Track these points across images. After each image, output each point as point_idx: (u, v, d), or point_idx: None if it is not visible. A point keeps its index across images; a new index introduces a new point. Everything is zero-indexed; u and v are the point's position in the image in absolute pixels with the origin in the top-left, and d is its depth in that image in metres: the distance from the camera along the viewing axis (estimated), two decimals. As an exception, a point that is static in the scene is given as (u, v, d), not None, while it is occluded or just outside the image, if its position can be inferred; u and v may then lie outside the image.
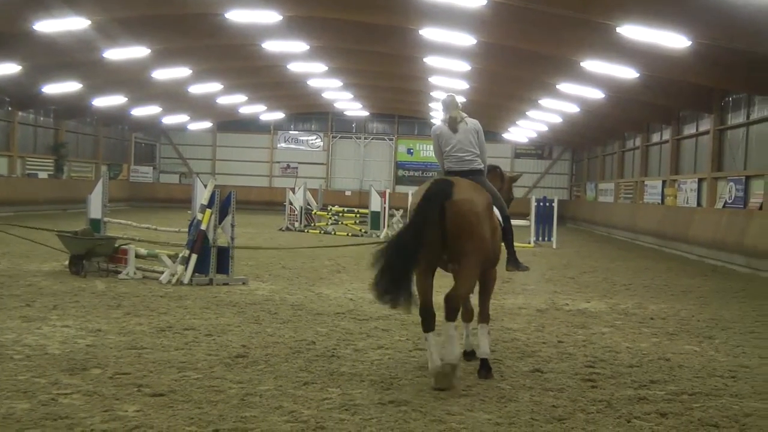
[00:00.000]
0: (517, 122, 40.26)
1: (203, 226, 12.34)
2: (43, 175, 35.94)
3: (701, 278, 16.71)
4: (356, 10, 21.33)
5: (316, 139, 50.40)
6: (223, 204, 12.65)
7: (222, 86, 35.84)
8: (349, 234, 25.98)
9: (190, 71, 30.56)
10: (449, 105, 7.63)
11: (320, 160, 50.10)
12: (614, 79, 23.23)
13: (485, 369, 6.98)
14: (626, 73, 22.22)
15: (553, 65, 24.30)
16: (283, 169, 49.57)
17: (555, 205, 25.39)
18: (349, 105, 44.95)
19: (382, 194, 27.28)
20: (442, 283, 7.46)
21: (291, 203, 28.75)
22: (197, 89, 35.22)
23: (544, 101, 30.78)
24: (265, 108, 45.61)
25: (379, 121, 49.91)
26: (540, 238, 25.19)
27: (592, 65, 21.91)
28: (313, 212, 29.23)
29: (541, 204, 25.62)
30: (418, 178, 47.32)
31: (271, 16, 22.02)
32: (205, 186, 12.70)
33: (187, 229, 12.75)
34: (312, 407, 5.80)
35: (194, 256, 12.27)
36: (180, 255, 12.40)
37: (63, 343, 7.64)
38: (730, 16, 15.26)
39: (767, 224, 18.68)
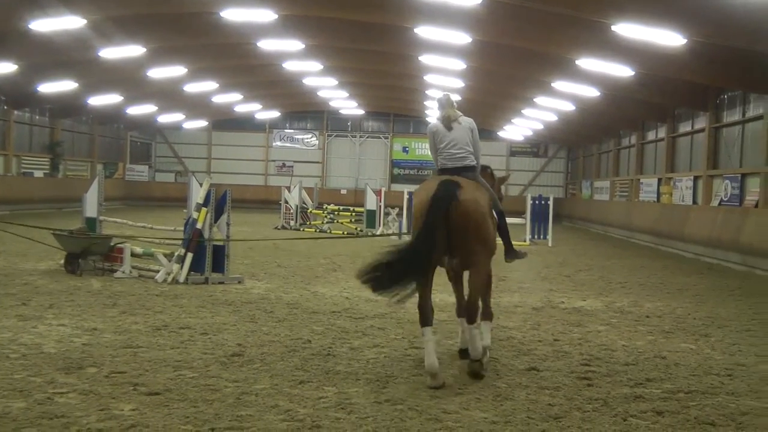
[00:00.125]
0: (512, 120, 40.23)
1: (199, 225, 12.34)
2: (38, 173, 35.86)
3: (697, 276, 16.72)
4: (351, 8, 21.32)
5: (311, 137, 50.34)
6: (219, 202, 12.65)
7: (217, 85, 35.79)
8: (345, 233, 25.96)
9: (186, 70, 30.50)
10: (444, 103, 7.74)
11: (316, 159, 50.07)
12: (609, 77, 23.22)
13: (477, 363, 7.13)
14: (621, 71, 22.20)
15: (548, 63, 24.29)
16: (278, 168, 49.55)
17: (550, 203, 25.38)
18: (345, 103, 44.92)
19: (377, 192, 27.26)
20: (441, 281, 7.45)
21: (287, 202, 28.76)
22: (193, 88, 35.17)
23: (540, 99, 30.77)
24: (261, 107, 45.58)
25: (375, 119, 49.85)
26: (535, 236, 25.19)
27: (588, 63, 21.90)
28: (308, 211, 29.24)
29: (537, 202, 25.62)
30: (413, 176, 47.39)
31: (267, 15, 22.00)
32: (201, 185, 12.71)
33: (182, 228, 12.75)
34: (308, 406, 5.80)
35: (190, 255, 12.27)
36: (176, 254, 12.41)
37: (59, 341, 7.63)
38: (725, 14, 15.29)
39: (763, 222, 18.70)
